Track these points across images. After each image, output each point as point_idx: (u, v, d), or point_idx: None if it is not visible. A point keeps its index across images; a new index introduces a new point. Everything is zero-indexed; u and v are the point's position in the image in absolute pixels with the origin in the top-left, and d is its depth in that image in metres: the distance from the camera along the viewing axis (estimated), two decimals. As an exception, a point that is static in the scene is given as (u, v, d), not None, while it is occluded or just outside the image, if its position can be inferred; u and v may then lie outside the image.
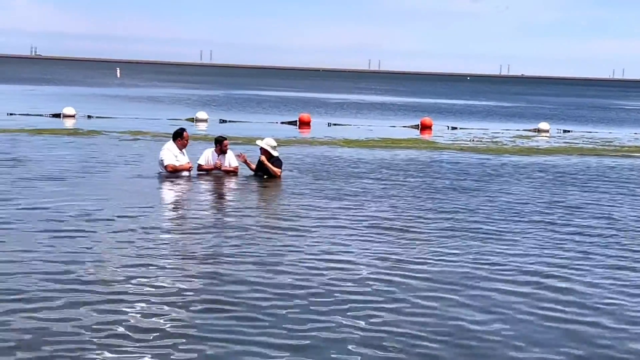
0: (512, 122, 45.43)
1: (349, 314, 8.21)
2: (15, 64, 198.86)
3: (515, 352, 7.39)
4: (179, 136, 17.15)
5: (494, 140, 31.42)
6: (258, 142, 17.80)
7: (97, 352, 6.89)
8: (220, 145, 17.54)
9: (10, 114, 33.40)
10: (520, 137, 33.92)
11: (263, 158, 17.26)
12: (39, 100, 48.08)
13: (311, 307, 8.35)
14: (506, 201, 15.82)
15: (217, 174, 17.38)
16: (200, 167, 17.49)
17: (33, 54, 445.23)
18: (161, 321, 7.71)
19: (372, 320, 8.04)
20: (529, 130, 37.43)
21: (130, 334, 7.34)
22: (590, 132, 39.17)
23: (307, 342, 7.34)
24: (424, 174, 19.69)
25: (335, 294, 8.85)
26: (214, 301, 8.41)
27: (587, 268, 10.53)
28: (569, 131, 38.54)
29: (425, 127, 36.41)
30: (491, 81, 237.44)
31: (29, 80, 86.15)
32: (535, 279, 9.88)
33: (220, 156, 17.58)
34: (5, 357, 6.74)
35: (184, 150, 17.28)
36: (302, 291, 8.91)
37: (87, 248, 10.40)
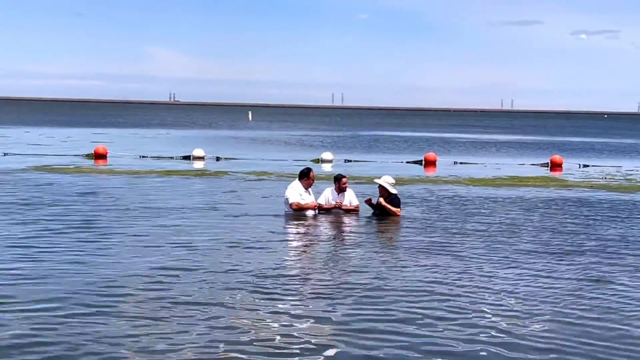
0: (649, 159, 43.69)
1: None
2: (155, 109, 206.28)
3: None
4: (305, 176, 17.28)
5: (627, 177, 30.24)
6: (376, 180, 17.68)
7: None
8: (339, 182, 17.48)
9: (142, 157, 34.47)
10: (657, 174, 32.53)
11: (381, 200, 17.13)
12: (171, 143, 49.54)
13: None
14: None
15: (338, 213, 17.32)
16: (320, 207, 17.42)
17: (171, 100, 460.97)
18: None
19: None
20: (667, 167, 35.84)
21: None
22: None
23: None
24: (553, 210, 19.22)
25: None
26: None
27: None
28: None
29: (555, 165, 35.42)
30: (630, 119, 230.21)
31: (164, 124, 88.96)
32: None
33: (340, 194, 17.51)
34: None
35: (309, 189, 17.35)
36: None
37: (214, 276, 10.53)
